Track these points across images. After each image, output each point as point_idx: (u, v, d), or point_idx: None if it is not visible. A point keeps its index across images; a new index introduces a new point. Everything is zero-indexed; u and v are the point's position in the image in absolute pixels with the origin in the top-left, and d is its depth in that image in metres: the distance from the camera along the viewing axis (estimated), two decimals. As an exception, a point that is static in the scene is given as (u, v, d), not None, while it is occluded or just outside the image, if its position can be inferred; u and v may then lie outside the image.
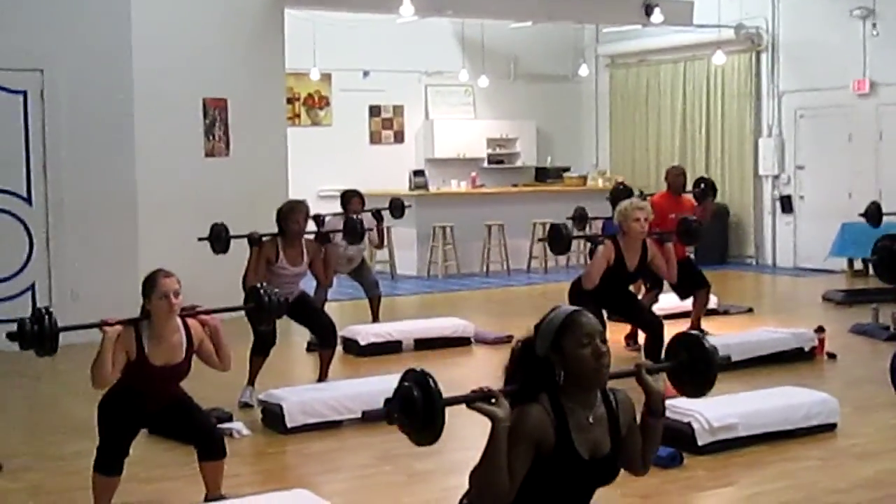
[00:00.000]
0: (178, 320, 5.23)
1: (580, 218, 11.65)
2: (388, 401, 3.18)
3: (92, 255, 10.36)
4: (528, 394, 3.18)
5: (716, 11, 15.83)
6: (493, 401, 3.06)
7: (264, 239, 7.78)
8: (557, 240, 8.42)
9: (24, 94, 10.31)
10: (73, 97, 10.41)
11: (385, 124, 17.61)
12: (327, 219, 10.22)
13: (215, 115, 11.68)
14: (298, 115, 16.68)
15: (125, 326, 5.10)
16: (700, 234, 8.65)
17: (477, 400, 3.07)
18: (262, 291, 5.70)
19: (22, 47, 10.25)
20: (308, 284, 8.38)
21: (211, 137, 11.67)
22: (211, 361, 5.40)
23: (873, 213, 10.90)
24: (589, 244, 9.74)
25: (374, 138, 17.51)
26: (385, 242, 10.78)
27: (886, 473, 5.66)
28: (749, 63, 16.40)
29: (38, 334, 4.94)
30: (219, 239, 8.37)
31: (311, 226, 8.46)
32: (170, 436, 5.56)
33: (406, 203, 11.26)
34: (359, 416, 7.14)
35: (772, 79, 16.25)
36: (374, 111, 17.50)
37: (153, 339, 5.15)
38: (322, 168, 16.17)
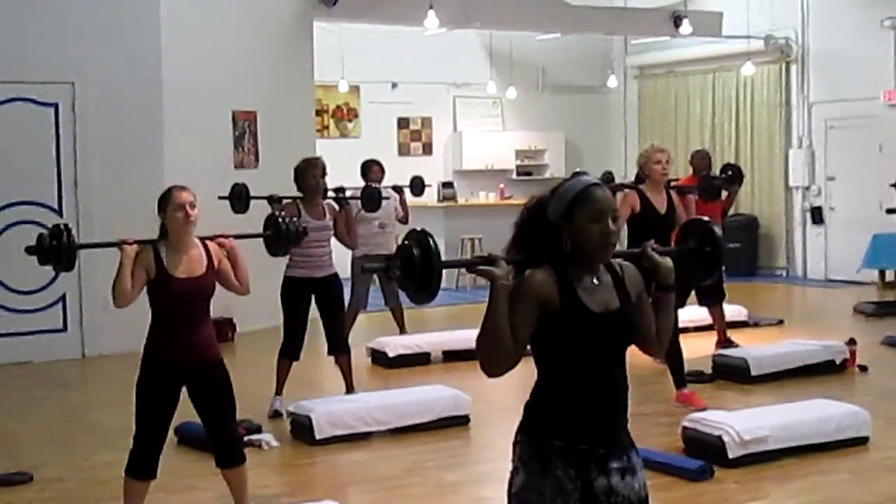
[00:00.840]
0: (197, 239, 5.25)
1: (607, 181, 11.67)
2: (387, 257, 3.20)
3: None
4: (532, 262, 3.20)
5: (745, 22, 15.77)
6: (494, 264, 3.09)
7: (285, 201, 7.80)
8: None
9: (56, 106, 10.40)
10: (104, 109, 10.48)
11: (413, 136, 17.65)
12: (349, 191, 10.25)
13: (244, 127, 11.73)
14: (327, 127, 16.74)
15: (144, 245, 5.15)
16: (720, 192, 8.53)
17: (476, 263, 3.13)
18: (280, 219, 5.77)
19: (53, 60, 10.32)
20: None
21: (240, 149, 11.73)
22: (230, 283, 5.37)
23: None
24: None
25: (403, 150, 17.54)
26: (409, 216, 10.76)
27: (919, 487, 5.61)
28: (779, 74, 16.33)
29: (56, 249, 5.09)
30: (239, 198, 8.42)
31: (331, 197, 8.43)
32: (198, 404, 5.34)
33: (434, 213, 11.29)
34: (387, 427, 7.14)
35: (801, 89, 16.17)
36: (403, 123, 17.54)
37: (172, 254, 5.16)
38: (351, 180, 16.14)
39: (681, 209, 7.89)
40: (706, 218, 3.78)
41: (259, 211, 8.08)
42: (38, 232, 5.34)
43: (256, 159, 11.84)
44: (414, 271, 3.10)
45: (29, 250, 5.12)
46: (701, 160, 10.06)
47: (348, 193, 9.98)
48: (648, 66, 18.47)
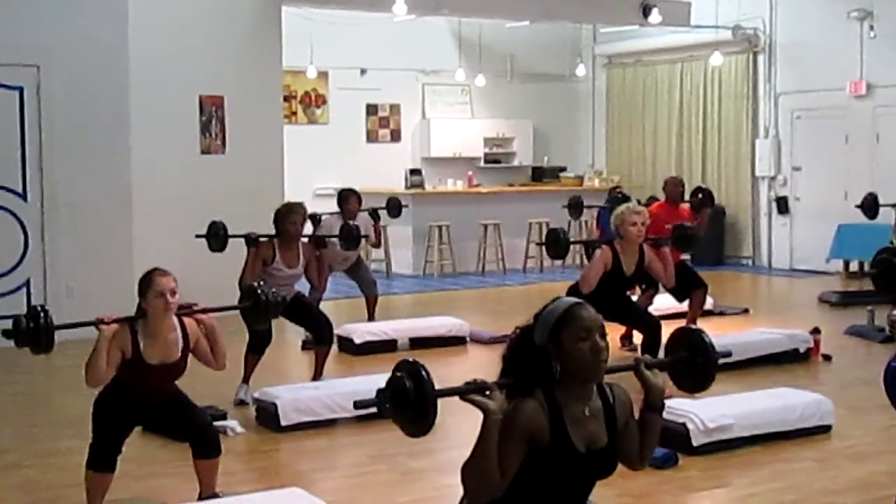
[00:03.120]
0: (174, 319, 5.21)
1: (576, 206, 11.68)
2: (380, 391, 3.15)
3: (87, 251, 10.34)
4: (523, 387, 3.15)
5: (713, 12, 15.82)
6: (487, 393, 3.04)
7: (261, 240, 7.78)
8: (556, 244, 8.45)
9: (21, 90, 10.29)
10: (70, 93, 10.39)
11: (382, 123, 17.60)
12: (324, 218, 10.22)
13: (212, 112, 11.67)
14: (295, 113, 16.66)
15: (121, 325, 5.09)
16: (695, 241, 8.65)
17: (470, 392, 3.05)
18: (259, 291, 5.70)
19: (18, 43, 10.22)
20: (302, 284, 8.37)
21: (207, 135, 11.66)
22: (206, 360, 5.40)
23: (870, 205, 10.91)
24: (585, 249, 9.74)
25: (371, 137, 17.50)
26: (381, 242, 10.79)
27: (880, 475, 5.65)
28: (746, 64, 16.40)
29: (34, 332, 4.95)
30: (216, 237, 8.38)
31: (307, 226, 8.46)
32: (165, 433, 5.55)
33: (402, 202, 11.32)
34: (353, 414, 7.13)
35: (769, 80, 16.26)
36: (371, 110, 17.49)
37: (149, 337, 5.14)
38: (318, 166, 16.15)
39: (656, 263, 7.96)
40: (696, 327, 3.72)
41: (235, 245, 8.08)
42: (3, 218, 5.28)
43: (223, 145, 11.78)
44: (407, 404, 3.05)
45: (6, 334, 5.01)
46: (674, 188, 10.02)
47: (324, 219, 10.02)
48: (617, 56, 18.51)
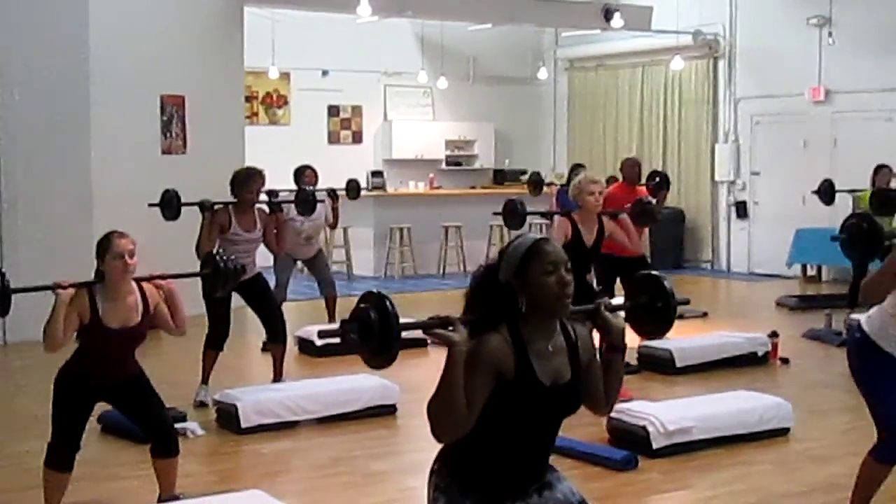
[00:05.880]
0: (133, 283, 5.16)
1: (535, 183, 11.69)
2: (344, 321, 3.12)
3: (46, 250, 10.21)
4: (487, 323, 3.14)
5: (674, 17, 15.92)
6: (451, 327, 3.03)
7: (216, 207, 7.72)
8: (513, 214, 8.37)
9: (-21, 88, 10.20)
10: (29, 91, 10.29)
11: (343, 124, 17.58)
12: (281, 194, 10.20)
13: (173, 111, 11.60)
14: (256, 114, 16.61)
15: (79, 289, 5.04)
16: (655, 216, 8.61)
17: (434, 325, 3.04)
18: (218, 257, 5.69)
19: (-23, 40, 10.13)
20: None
21: (168, 134, 11.59)
22: (167, 325, 5.31)
23: (826, 190, 10.98)
24: (545, 221, 9.73)
25: (333, 138, 17.47)
26: (339, 222, 10.74)
27: (839, 477, 5.70)
28: (707, 69, 16.52)
29: None
30: (170, 205, 8.30)
31: (264, 199, 8.38)
32: (125, 413, 5.40)
33: (363, 202, 11.31)
34: (314, 416, 7.12)
35: (729, 85, 16.38)
36: (333, 111, 17.46)
37: (108, 300, 5.08)
38: (280, 167, 16.01)
39: (620, 233, 7.89)
40: (656, 273, 3.74)
41: (190, 215, 8.01)
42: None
43: (184, 144, 11.71)
44: (372, 335, 3.02)
45: None
46: (630, 168, 10.08)
47: (282, 195, 9.96)
48: (579, 59, 18.58)
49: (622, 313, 3.43)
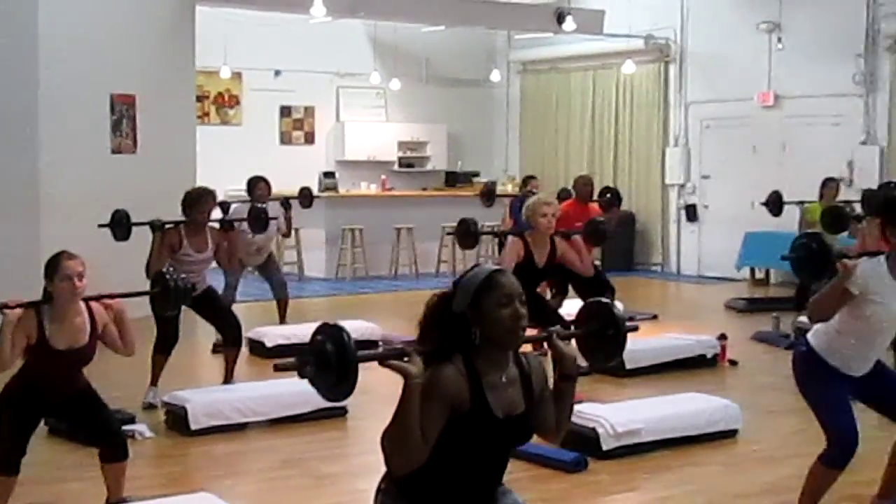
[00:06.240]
0: (82, 304, 5.11)
1: (488, 194, 11.72)
2: (300, 354, 3.10)
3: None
4: (442, 353, 3.14)
5: (627, 21, 16.02)
6: (407, 358, 3.02)
7: (167, 226, 7.67)
8: (466, 234, 8.45)
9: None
10: (-24, 89, 10.19)
11: (296, 125, 17.51)
12: (233, 206, 10.14)
13: (123, 111, 11.50)
14: (208, 114, 16.50)
15: (26, 309, 4.98)
16: (607, 234, 8.69)
17: (390, 357, 3.02)
18: (167, 276, 5.64)
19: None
20: (217, 283, 8.29)
21: (118, 134, 11.50)
22: (115, 346, 5.28)
23: (775, 202, 11.14)
24: (498, 240, 9.80)
25: (285, 139, 17.40)
26: (292, 231, 10.73)
27: (787, 478, 5.75)
28: (658, 73, 16.63)
29: None
30: (120, 225, 8.24)
31: (216, 213, 8.36)
32: (73, 425, 5.40)
33: (315, 203, 11.30)
34: (264, 418, 7.09)
35: (679, 89, 16.49)
36: (285, 111, 17.39)
37: (55, 322, 5.03)
38: (231, 167, 15.96)
39: (570, 254, 7.94)
40: (607, 300, 3.76)
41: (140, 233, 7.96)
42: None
43: (135, 144, 11.61)
44: (329, 367, 3.00)
45: None
46: (583, 186, 10.18)
47: (233, 207, 9.92)
48: (531, 62, 18.63)
49: (574, 341, 3.45)
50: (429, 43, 17.80)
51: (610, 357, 3.63)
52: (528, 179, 12.12)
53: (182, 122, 12.26)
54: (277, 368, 3.14)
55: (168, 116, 11.90)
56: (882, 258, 4.78)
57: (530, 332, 3.31)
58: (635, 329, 3.71)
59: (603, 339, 3.56)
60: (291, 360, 3.09)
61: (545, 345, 3.38)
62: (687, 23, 16.25)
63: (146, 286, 6.05)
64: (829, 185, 10.93)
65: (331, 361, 2.99)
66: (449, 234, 8.69)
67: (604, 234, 8.58)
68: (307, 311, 11.75)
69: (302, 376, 3.07)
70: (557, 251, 7.83)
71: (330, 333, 3.02)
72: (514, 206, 11.14)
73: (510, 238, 7.89)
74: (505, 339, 3.17)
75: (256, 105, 16.89)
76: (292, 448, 6.62)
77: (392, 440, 3.03)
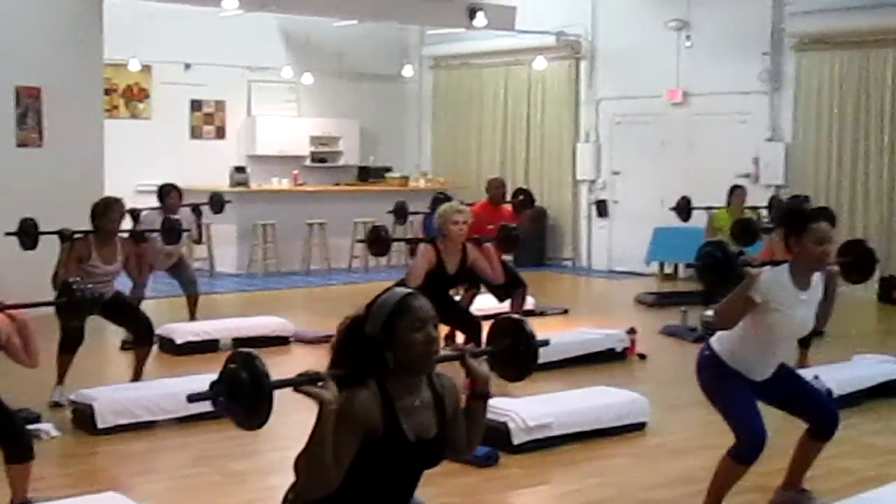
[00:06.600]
0: None
1: (400, 212, 11.72)
2: (213, 383, 3.07)
3: None
4: (356, 377, 3.14)
5: (538, 18, 16.11)
6: (321, 384, 3.02)
7: (76, 236, 7.55)
8: (377, 241, 8.51)
9: None
10: None
11: (206, 119, 17.31)
12: (144, 213, 10.01)
13: (28, 103, 11.29)
14: (116, 107, 16.23)
15: None
16: (518, 241, 8.80)
17: (305, 383, 3.02)
18: (74, 286, 5.55)
19: None
20: (124, 283, 8.18)
21: (23, 127, 11.29)
22: (18, 357, 5.19)
23: (683, 207, 11.31)
24: (409, 247, 9.84)
25: (195, 133, 17.19)
26: (203, 238, 10.65)
27: (695, 470, 5.84)
28: (569, 70, 16.75)
29: None
30: (28, 234, 8.10)
31: (127, 220, 8.25)
32: None
33: (227, 199, 11.21)
34: (173, 416, 7.01)
35: (590, 86, 16.64)
36: (196, 105, 17.18)
37: None
38: (140, 162, 15.76)
39: (481, 261, 8.01)
40: (517, 316, 3.77)
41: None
42: None
43: (41, 137, 11.40)
44: (243, 396, 2.98)
45: None
46: (496, 189, 10.24)
47: (144, 215, 9.80)
48: (444, 58, 18.65)
49: (485, 362, 3.47)
50: (341, 37, 17.71)
51: (522, 373, 3.67)
52: (438, 195, 12.11)
53: (90, 115, 12.06)
54: (191, 400, 3.12)
55: (75, 109, 11.70)
56: (785, 267, 4.88)
57: (442, 330, 3.33)
58: (546, 344, 3.74)
59: (515, 355, 3.59)
60: (206, 391, 3.08)
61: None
62: (598, 20, 16.40)
63: (51, 295, 5.96)
64: (737, 192, 11.03)
65: (245, 389, 2.97)
66: (360, 241, 8.72)
67: (516, 240, 8.69)
68: (218, 308, 11.65)
69: (215, 406, 3.05)
70: (469, 258, 7.90)
71: (243, 361, 3.00)
72: (427, 221, 11.15)
73: (421, 245, 7.93)
74: (418, 363, 3.19)
75: (166, 99, 16.66)
76: (202, 446, 6.56)
77: (307, 464, 3.04)
